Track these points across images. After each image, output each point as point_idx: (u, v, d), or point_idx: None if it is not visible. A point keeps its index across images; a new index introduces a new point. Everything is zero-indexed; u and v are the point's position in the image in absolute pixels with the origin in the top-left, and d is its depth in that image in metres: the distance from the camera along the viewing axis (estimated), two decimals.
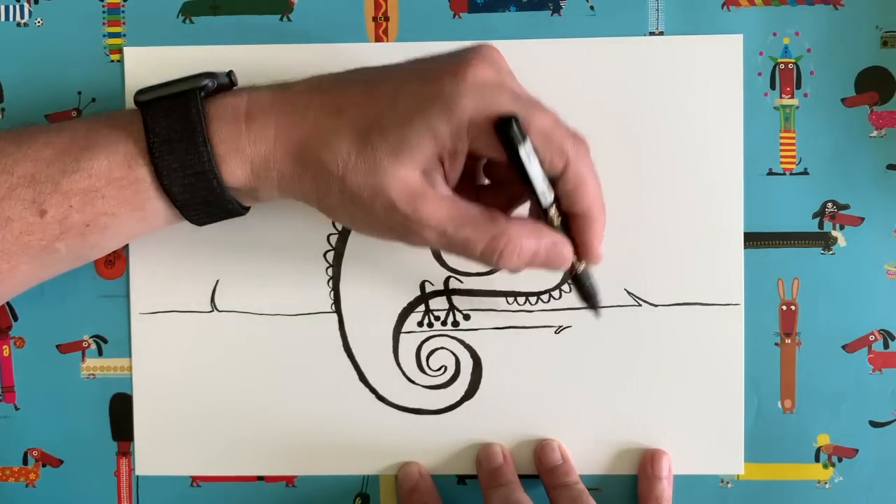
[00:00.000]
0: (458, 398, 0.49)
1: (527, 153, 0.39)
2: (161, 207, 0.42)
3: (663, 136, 0.48)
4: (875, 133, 0.48)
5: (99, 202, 0.41)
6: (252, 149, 0.41)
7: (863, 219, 0.48)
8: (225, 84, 0.43)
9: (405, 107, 0.39)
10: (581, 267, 0.44)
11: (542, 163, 0.40)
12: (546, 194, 0.41)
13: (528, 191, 0.41)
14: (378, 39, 0.49)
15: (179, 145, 0.40)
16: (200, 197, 0.41)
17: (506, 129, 0.38)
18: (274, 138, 0.41)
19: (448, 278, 0.49)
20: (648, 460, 0.48)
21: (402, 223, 0.40)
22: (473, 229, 0.40)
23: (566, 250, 0.42)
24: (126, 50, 0.49)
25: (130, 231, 0.43)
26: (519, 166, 0.39)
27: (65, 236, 0.41)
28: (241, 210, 0.43)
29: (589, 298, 0.45)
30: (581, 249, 0.43)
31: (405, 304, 0.49)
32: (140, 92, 0.41)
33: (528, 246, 0.41)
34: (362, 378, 0.49)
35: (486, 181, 0.45)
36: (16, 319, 0.50)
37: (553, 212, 0.41)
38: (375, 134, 0.39)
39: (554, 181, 0.41)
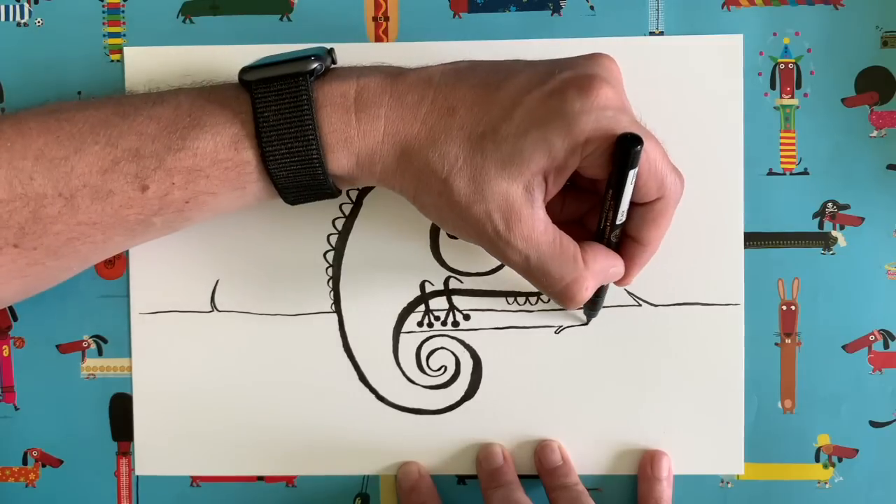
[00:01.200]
0: (458, 398, 0.49)
1: (633, 177, 0.39)
2: (261, 188, 0.42)
3: (663, 135, 0.48)
4: (875, 133, 0.48)
5: (202, 181, 0.41)
6: (360, 141, 0.41)
7: (863, 219, 0.48)
8: (329, 63, 0.42)
9: (522, 118, 0.39)
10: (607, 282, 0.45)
11: (637, 191, 0.40)
12: (622, 215, 0.41)
13: (605, 209, 0.41)
14: (378, 39, 0.49)
15: (288, 132, 0.40)
16: (302, 182, 0.41)
17: (627, 150, 0.38)
18: (383, 132, 0.40)
19: (448, 278, 0.49)
20: (648, 461, 0.48)
21: (491, 237, 0.40)
22: (556, 266, 0.40)
23: (622, 272, 0.43)
24: (126, 50, 0.49)
25: (226, 207, 0.43)
26: (616, 187, 0.40)
27: (163, 211, 0.41)
28: (335, 193, 0.43)
29: (595, 309, 0.47)
30: (629, 266, 0.44)
31: (405, 304, 0.49)
32: (245, 70, 0.41)
33: (599, 280, 0.42)
34: (362, 378, 0.49)
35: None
36: (16, 319, 0.50)
37: (617, 233, 0.42)
38: (488, 142, 0.39)
39: (633, 206, 0.41)
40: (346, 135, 0.40)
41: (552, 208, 0.42)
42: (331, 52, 0.42)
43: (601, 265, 0.42)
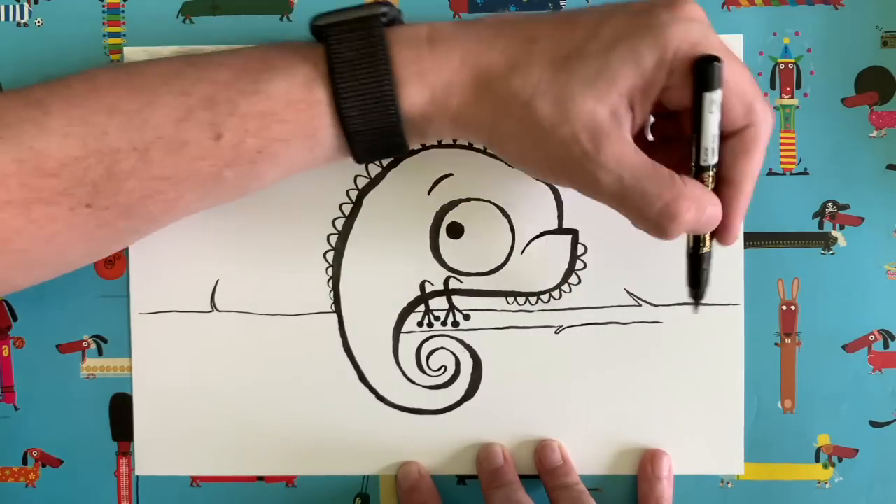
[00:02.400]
0: (458, 398, 0.49)
1: (711, 102, 0.38)
2: (331, 136, 0.41)
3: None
4: (875, 133, 0.48)
5: (275, 126, 0.40)
6: (435, 74, 0.39)
7: (863, 219, 0.48)
8: (398, 18, 0.41)
9: (609, 35, 0.38)
10: (707, 246, 0.42)
11: (724, 116, 0.39)
12: (712, 152, 0.39)
13: (694, 143, 0.39)
14: None
15: (361, 68, 0.39)
16: (375, 124, 0.40)
17: (705, 70, 0.37)
18: (459, 63, 0.39)
19: (448, 278, 0.49)
20: (648, 461, 0.48)
21: (579, 160, 0.38)
22: (653, 184, 0.38)
23: (720, 215, 0.40)
24: (126, 50, 0.49)
25: (296, 162, 0.41)
26: (699, 115, 0.38)
27: (235, 163, 0.40)
28: (404, 148, 0.41)
29: (699, 285, 0.43)
30: (720, 225, 0.41)
31: (405, 304, 0.49)
32: (316, 17, 0.40)
33: (705, 213, 0.39)
34: (362, 378, 0.49)
35: (651, 138, 0.44)
36: (15, 319, 0.50)
37: (711, 174, 0.40)
38: (574, 60, 0.38)
39: (724, 139, 0.39)
40: (419, 68, 0.39)
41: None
42: (400, 12, 0.41)
43: (700, 192, 0.39)
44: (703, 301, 0.44)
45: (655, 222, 0.39)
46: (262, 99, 0.39)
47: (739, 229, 0.42)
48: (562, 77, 0.38)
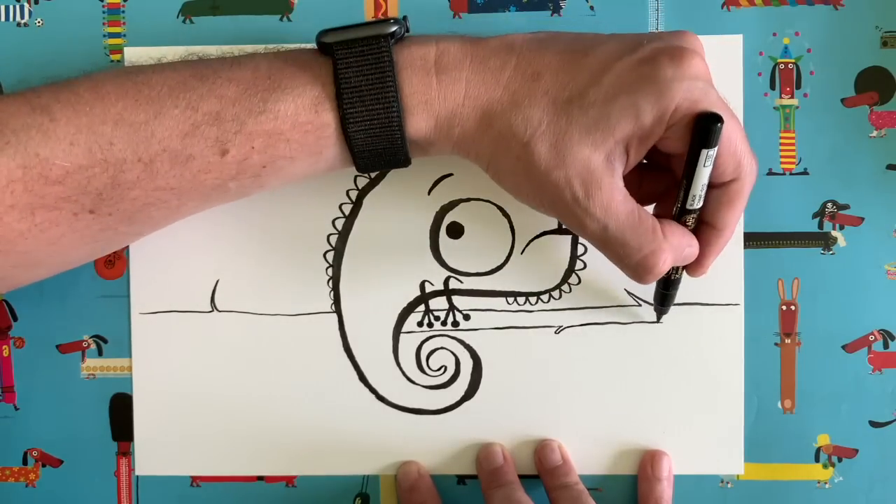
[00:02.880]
0: (458, 398, 0.49)
1: (707, 157, 0.39)
2: (337, 153, 0.41)
3: None
4: (875, 133, 0.48)
5: (281, 146, 0.40)
6: (440, 104, 0.40)
7: (863, 219, 0.48)
8: (406, 29, 0.42)
9: (612, 83, 0.39)
10: (680, 274, 0.45)
11: (714, 170, 0.40)
12: (698, 199, 0.41)
13: (682, 189, 0.41)
14: None
15: (369, 94, 0.39)
16: (379, 146, 0.41)
17: (706, 129, 0.38)
18: (464, 95, 0.40)
19: (448, 278, 0.49)
20: (648, 461, 0.48)
21: (569, 204, 0.40)
22: (635, 236, 0.40)
23: (696, 255, 0.43)
24: (126, 50, 0.49)
25: (300, 173, 0.42)
26: (692, 166, 0.40)
27: (240, 176, 0.41)
28: (406, 162, 0.42)
29: (665, 304, 0.47)
30: (695, 260, 0.43)
31: (405, 304, 0.49)
32: (323, 33, 0.40)
33: (682, 255, 0.42)
34: (362, 378, 0.49)
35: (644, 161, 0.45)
36: (15, 319, 0.50)
37: (694, 217, 0.42)
38: (574, 107, 0.39)
39: (710, 188, 0.41)
40: (426, 97, 0.40)
41: (629, 187, 0.41)
42: (405, 19, 0.42)
43: (678, 241, 0.41)
44: (663, 315, 0.48)
45: (634, 270, 0.41)
46: (269, 118, 0.40)
47: (707, 268, 0.44)
48: (562, 121, 0.39)
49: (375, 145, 0.41)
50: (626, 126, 0.39)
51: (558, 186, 0.39)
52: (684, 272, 0.45)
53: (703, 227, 0.43)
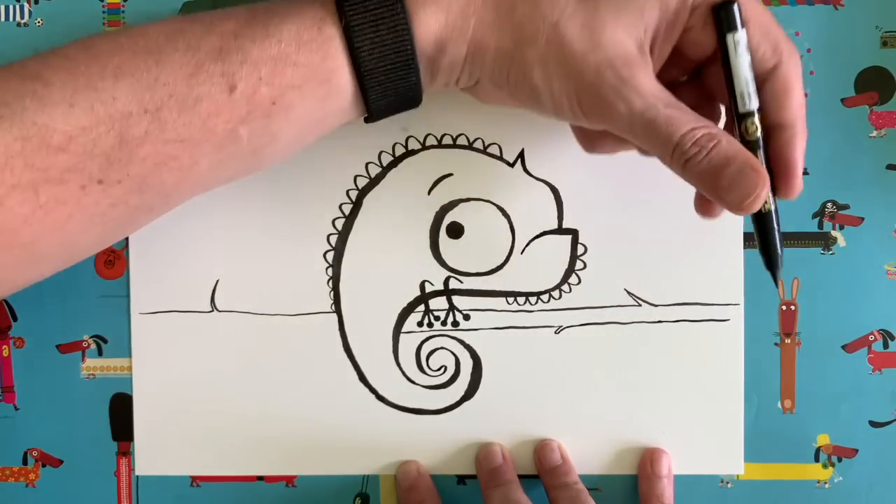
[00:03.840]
0: (457, 398, 0.49)
1: (737, 43, 0.38)
2: (346, 83, 0.39)
3: None
4: (875, 133, 0.48)
5: (288, 71, 0.38)
6: None
7: (862, 219, 0.48)
8: None
9: None
10: (770, 204, 0.40)
11: (752, 57, 0.38)
12: (749, 98, 0.38)
13: (729, 93, 0.39)
14: None
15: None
16: (388, 60, 0.38)
17: (724, 12, 0.37)
18: None
19: (448, 278, 0.49)
20: (648, 459, 0.48)
21: (612, 85, 0.37)
22: (680, 110, 0.37)
23: (760, 171, 0.37)
24: None
25: (310, 117, 0.40)
26: (726, 61, 0.38)
27: (250, 117, 0.38)
28: (418, 90, 0.40)
29: (771, 250, 0.41)
30: (780, 173, 0.39)
31: (405, 304, 0.49)
32: None
33: (726, 147, 0.37)
34: (362, 378, 0.49)
35: (683, 78, 0.43)
36: (15, 319, 0.50)
37: (755, 122, 0.39)
38: None
39: (760, 85, 0.39)
40: None
41: None
42: None
43: (729, 135, 0.38)
44: (779, 276, 0.41)
45: (674, 151, 0.38)
46: (274, 43, 0.38)
47: (800, 177, 0.40)
48: (590, 3, 0.38)
49: (384, 59, 0.38)
50: (653, 10, 0.38)
51: (599, 69, 0.37)
52: (775, 200, 0.40)
53: (775, 133, 0.39)
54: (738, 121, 0.39)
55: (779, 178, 0.40)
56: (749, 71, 0.38)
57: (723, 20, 0.38)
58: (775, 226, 0.40)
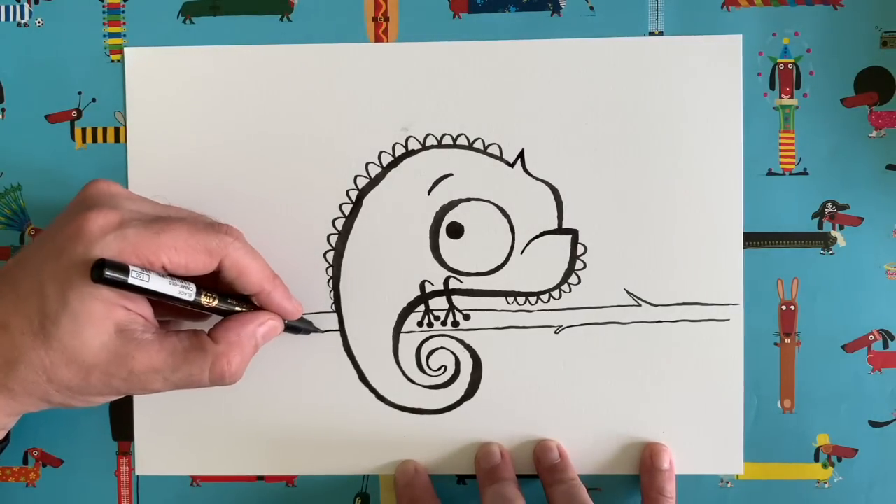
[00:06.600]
0: (457, 398, 0.49)
1: (140, 277, 0.40)
2: None
3: (663, 136, 0.48)
4: (874, 133, 0.48)
5: None
6: None
7: (862, 219, 0.48)
8: None
9: (53, 288, 0.40)
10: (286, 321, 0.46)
11: (187, 268, 0.41)
12: (186, 292, 0.42)
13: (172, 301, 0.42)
14: (378, 39, 0.49)
15: None
16: None
17: (102, 274, 0.39)
18: None
19: (448, 278, 0.49)
20: (648, 454, 0.48)
21: (126, 383, 0.41)
22: (189, 364, 0.42)
23: (273, 322, 0.45)
24: (126, 50, 0.49)
25: None
26: (155, 293, 0.41)
27: None
28: None
29: (305, 331, 0.48)
30: (278, 314, 0.45)
31: (405, 304, 0.49)
32: None
33: (248, 347, 0.43)
34: (362, 378, 0.49)
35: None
36: None
37: (204, 296, 0.43)
38: (49, 326, 0.40)
39: (218, 276, 0.43)
40: None
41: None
42: None
43: (235, 334, 0.43)
44: (318, 330, 0.49)
45: (216, 385, 0.43)
46: None
47: (291, 305, 0.45)
48: (53, 343, 0.40)
49: None
50: (97, 307, 0.40)
51: (104, 380, 0.41)
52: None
53: (253, 297, 0.44)
54: (191, 304, 0.42)
55: (280, 315, 0.45)
56: (166, 281, 0.41)
57: (110, 279, 0.39)
58: (298, 321, 0.47)
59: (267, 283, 0.44)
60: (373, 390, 0.49)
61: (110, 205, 0.42)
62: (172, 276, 0.42)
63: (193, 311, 0.44)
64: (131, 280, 0.39)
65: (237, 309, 0.44)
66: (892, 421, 0.49)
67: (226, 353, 0.43)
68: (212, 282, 0.43)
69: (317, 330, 0.49)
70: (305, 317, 0.49)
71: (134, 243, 0.40)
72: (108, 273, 0.39)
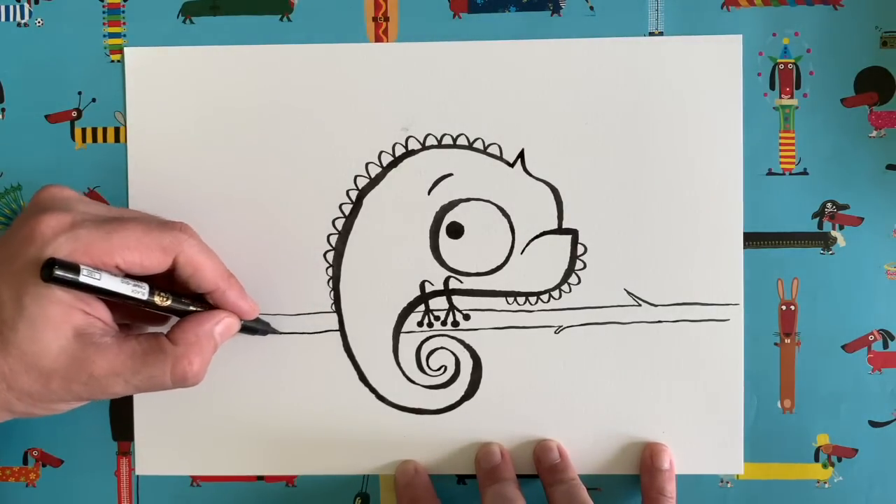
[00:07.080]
0: (457, 398, 0.49)
1: (92, 276, 0.40)
2: None
3: (663, 136, 0.48)
4: (874, 133, 0.48)
5: None
6: None
7: (862, 219, 0.48)
8: None
9: (8, 294, 0.40)
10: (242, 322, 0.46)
11: (143, 265, 0.41)
12: (139, 291, 0.42)
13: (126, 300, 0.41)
14: (378, 39, 0.49)
15: None
16: None
17: (52, 273, 0.39)
18: None
19: (448, 278, 0.49)
20: (649, 454, 0.48)
21: (87, 388, 0.41)
22: (150, 367, 0.42)
23: (230, 320, 0.45)
24: (126, 50, 0.49)
25: None
26: (106, 292, 0.40)
27: None
28: None
29: (262, 331, 0.48)
30: (233, 312, 0.45)
31: (405, 304, 0.49)
32: None
33: (207, 346, 0.43)
34: (362, 378, 0.49)
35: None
36: None
37: (158, 295, 0.42)
38: (7, 332, 0.40)
39: (169, 276, 0.43)
40: None
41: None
42: None
43: (193, 332, 0.43)
44: (278, 331, 0.49)
45: (180, 386, 0.43)
46: None
47: (248, 304, 0.45)
48: (12, 351, 0.40)
49: None
50: (55, 310, 0.40)
51: (65, 387, 0.41)
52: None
53: (207, 295, 0.44)
54: (146, 303, 0.42)
55: (235, 313, 0.45)
56: (118, 280, 0.41)
57: (60, 279, 0.39)
58: (252, 321, 0.47)
59: (222, 280, 0.44)
60: (373, 390, 0.49)
61: (62, 208, 0.42)
62: (128, 276, 0.42)
63: (152, 314, 0.44)
64: (82, 278, 0.39)
65: (192, 308, 0.44)
66: (892, 421, 0.49)
67: (186, 355, 0.42)
68: (168, 283, 0.43)
69: (275, 331, 0.49)
70: (305, 316, 0.49)
71: (86, 243, 0.40)
72: (58, 272, 0.39)
